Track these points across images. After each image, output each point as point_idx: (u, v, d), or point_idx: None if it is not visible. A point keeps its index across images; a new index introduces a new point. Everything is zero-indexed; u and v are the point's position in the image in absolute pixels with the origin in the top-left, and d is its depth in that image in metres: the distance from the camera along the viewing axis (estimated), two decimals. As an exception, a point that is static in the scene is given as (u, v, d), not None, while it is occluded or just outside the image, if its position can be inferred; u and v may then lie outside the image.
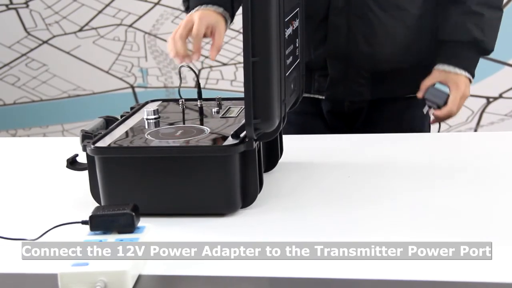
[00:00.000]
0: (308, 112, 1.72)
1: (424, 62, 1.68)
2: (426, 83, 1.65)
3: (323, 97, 1.71)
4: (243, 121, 1.21)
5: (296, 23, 1.34)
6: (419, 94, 1.65)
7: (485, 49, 1.65)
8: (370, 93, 1.67)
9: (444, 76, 1.65)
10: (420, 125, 1.73)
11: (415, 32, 1.65)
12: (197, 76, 1.45)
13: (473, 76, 1.66)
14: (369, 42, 1.61)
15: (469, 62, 1.64)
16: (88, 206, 1.16)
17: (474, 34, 1.62)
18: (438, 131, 1.80)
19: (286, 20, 1.23)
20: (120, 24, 3.48)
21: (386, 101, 1.71)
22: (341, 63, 1.66)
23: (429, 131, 1.78)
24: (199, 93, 1.42)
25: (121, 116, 1.39)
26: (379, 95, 1.68)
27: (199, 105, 1.41)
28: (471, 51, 1.63)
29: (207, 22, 1.50)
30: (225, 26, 1.55)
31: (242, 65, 1.18)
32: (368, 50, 1.61)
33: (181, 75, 1.48)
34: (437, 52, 1.66)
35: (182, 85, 1.44)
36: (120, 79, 3.53)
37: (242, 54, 1.15)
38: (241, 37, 1.14)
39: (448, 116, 1.65)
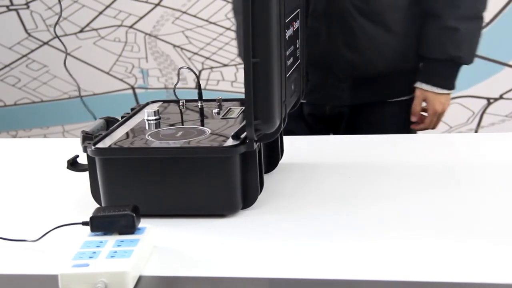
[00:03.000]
0: (289, 114, 1.73)
1: (405, 67, 1.68)
2: (415, 108, 1.69)
3: (304, 101, 1.70)
4: (244, 122, 1.21)
5: (296, 24, 1.34)
6: (413, 119, 1.73)
7: (463, 63, 1.68)
8: (350, 98, 1.67)
9: (424, 95, 1.70)
10: (403, 130, 1.73)
11: (396, 37, 1.65)
12: (198, 77, 1.46)
13: (453, 87, 1.70)
14: (350, 47, 1.60)
15: (447, 79, 1.68)
16: (88, 207, 1.16)
17: (450, 52, 1.64)
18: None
19: (286, 21, 1.23)
20: (121, 25, 3.49)
21: (369, 106, 1.71)
22: (321, 69, 1.65)
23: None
24: (200, 94, 1.42)
25: (122, 117, 1.39)
26: (359, 100, 1.68)
27: (199, 106, 1.41)
28: (449, 67, 1.67)
29: None
30: None
31: (242, 66, 1.18)
32: (349, 56, 1.60)
33: (181, 76, 1.49)
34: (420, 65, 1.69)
35: (182, 86, 1.44)
36: (121, 80, 3.54)
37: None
38: (241, 38, 1.14)
39: (425, 129, 1.74)
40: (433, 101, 1.70)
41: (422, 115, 1.78)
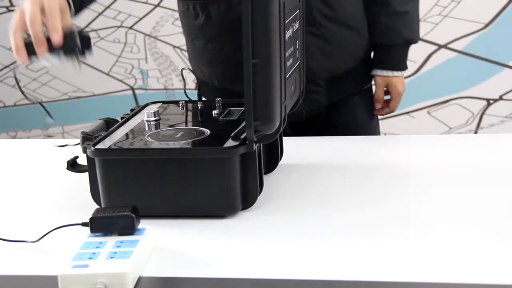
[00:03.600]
0: None
1: (368, 55, 1.73)
2: (379, 96, 1.72)
3: None
4: (243, 123, 1.21)
5: (296, 25, 1.34)
6: (377, 106, 1.78)
7: (413, 43, 1.75)
8: (327, 99, 1.68)
9: (386, 81, 1.75)
10: (372, 117, 1.79)
11: (362, 33, 1.68)
12: (197, 78, 1.46)
13: (407, 67, 1.78)
14: (324, 53, 1.62)
15: (403, 61, 1.75)
16: (88, 208, 1.16)
17: (405, 36, 1.71)
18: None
19: (286, 21, 1.23)
20: (121, 26, 3.48)
21: (341, 100, 1.73)
22: None
23: (377, 122, 1.81)
24: (199, 95, 1.42)
25: (121, 118, 1.39)
26: (335, 98, 1.69)
27: (199, 107, 1.41)
28: (403, 50, 1.74)
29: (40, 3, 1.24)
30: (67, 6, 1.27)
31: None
32: (324, 61, 1.63)
33: (181, 77, 1.48)
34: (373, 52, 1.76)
35: (182, 87, 1.44)
36: (121, 81, 3.54)
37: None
38: (241, 39, 1.14)
39: (390, 112, 1.81)
40: (396, 85, 1.75)
41: (384, 100, 1.83)
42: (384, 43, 1.70)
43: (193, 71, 1.47)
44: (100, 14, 3.47)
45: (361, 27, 1.67)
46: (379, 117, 1.83)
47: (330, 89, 1.66)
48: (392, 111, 1.80)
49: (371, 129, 1.77)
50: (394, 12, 1.67)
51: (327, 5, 1.57)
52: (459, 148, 1.54)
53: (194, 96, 1.45)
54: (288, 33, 1.26)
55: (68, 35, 1.14)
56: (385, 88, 1.77)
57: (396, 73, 1.73)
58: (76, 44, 1.12)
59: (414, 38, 1.73)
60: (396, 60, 1.73)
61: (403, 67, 1.75)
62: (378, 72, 1.73)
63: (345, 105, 1.73)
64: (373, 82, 1.79)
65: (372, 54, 1.74)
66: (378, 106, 1.77)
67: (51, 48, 1.15)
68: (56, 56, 1.15)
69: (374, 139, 1.62)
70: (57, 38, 1.15)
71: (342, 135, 1.70)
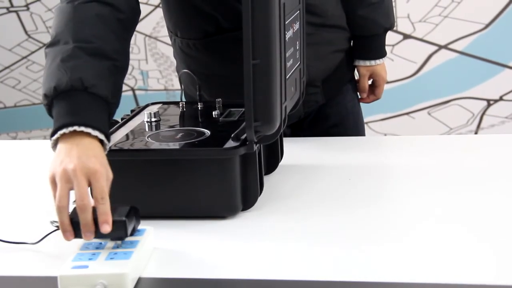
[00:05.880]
0: None
1: (349, 44, 1.75)
2: (365, 85, 1.79)
3: None
4: (244, 124, 1.21)
5: (296, 26, 1.34)
6: (364, 96, 1.80)
7: (391, 30, 1.78)
8: (324, 97, 1.69)
9: (370, 71, 1.77)
10: (358, 103, 1.80)
11: (344, 26, 1.71)
12: (197, 79, 1.46)
13: (386, 53, 1.81)
14: (318, 58, 1.63)
15: (383, 48, 1.77)
16: (88, 208, 1.16)
17: (383, 25, 1.74)
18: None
19: (286, 22, 1.23)
20: (121, 27, 3.48)
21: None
22: None
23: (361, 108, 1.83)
24: (200, 96, 1.42)
25: (122, 119, 1.39)
26: (331, 93, 1.70)
27: (199, 108, 1.41)
28: (382, 38, 1.76)
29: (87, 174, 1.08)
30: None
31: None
32: (319, 65, 1.64)
33: (182, 78, 1.48)
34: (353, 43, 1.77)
35: (182, 87, 1.44)
36: (121, 81, 3.54)
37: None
38: (241, 39, 1.14)
39: (376, 99, 1.84)
40: (380, 72, 1.79)
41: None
42: (364, 35, 1.72)
43: (192, 74, 1.46)
44: (100, 15, 3.47)
45: (343, 23, 1.69)
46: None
47: (326, 87, 1.67)
48: (379, 98, 1.82)
49: (359, 115, 1.79)
50: (370, 3, 1.70)
51: (313, 14, 1.58)
52: (459, 148, 1.54)
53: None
54: (289, 34, 1.26)
55: (117, 224, 1.03)
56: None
57: (378, 61, 1.77)
58: (126, 234, 1.04)
59: (392, 25, 1.77)
60: (377, 49, 1.77)
61: (384, 53, 1.78)
62: (361, 63, 1.76)
63: (335, 97, 1.75)
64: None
65: (351, 44, 1.76)
66: (364, 95, 1.80)
67: (99, 234, 1.04)
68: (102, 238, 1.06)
69: (374, 140, 1.62)
70: (107, 230, 1.03)
71: (334, 124, 1.71)
